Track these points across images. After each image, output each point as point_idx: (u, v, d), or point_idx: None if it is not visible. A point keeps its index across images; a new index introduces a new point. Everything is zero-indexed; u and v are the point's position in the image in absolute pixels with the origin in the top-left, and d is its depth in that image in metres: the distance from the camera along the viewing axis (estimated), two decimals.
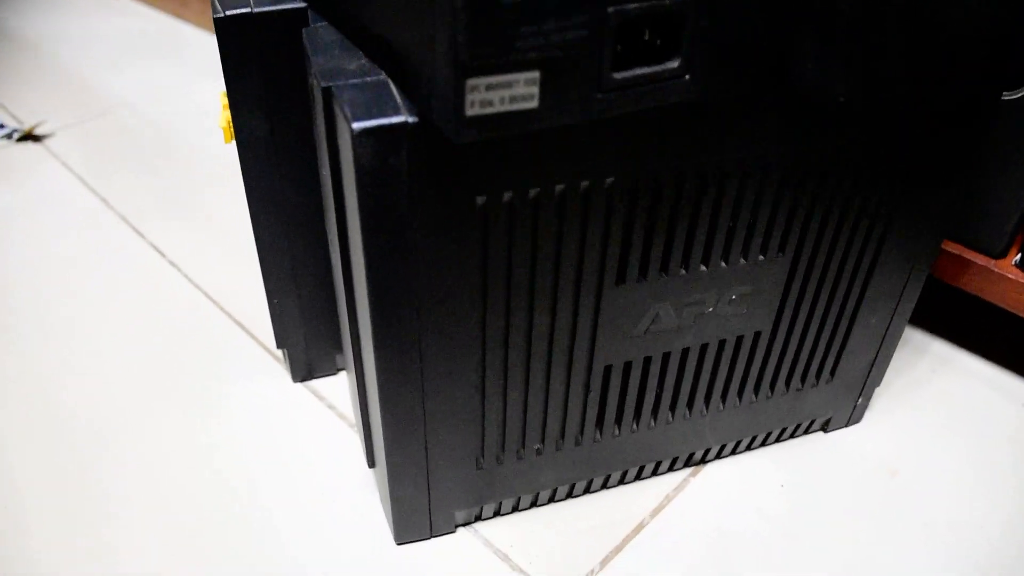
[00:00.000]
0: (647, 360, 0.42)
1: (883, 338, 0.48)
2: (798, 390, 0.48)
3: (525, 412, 0.41)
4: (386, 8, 0.30)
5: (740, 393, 0.47)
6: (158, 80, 0.93)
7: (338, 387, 0.54)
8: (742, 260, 0.40)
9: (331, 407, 0.53)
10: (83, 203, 0.71)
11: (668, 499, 0.48)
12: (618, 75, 0.29)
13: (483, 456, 0.42)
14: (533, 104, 0.28)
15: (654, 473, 0.49)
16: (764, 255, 0.40)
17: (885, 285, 0.45)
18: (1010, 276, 0.52)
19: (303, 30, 0.38)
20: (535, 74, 0.27)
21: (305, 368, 0.54)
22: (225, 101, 0.46)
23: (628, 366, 0.42)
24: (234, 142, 0.46)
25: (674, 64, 0.30)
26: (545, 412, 0.42)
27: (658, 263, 0.38)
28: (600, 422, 0.44)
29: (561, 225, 0.35)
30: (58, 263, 0.64)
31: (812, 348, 0.47)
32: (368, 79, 0.32)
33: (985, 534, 0.47)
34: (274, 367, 0.55)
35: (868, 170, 0.39)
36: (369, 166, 0.30)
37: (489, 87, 0.27)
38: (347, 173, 0.32)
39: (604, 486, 0.48)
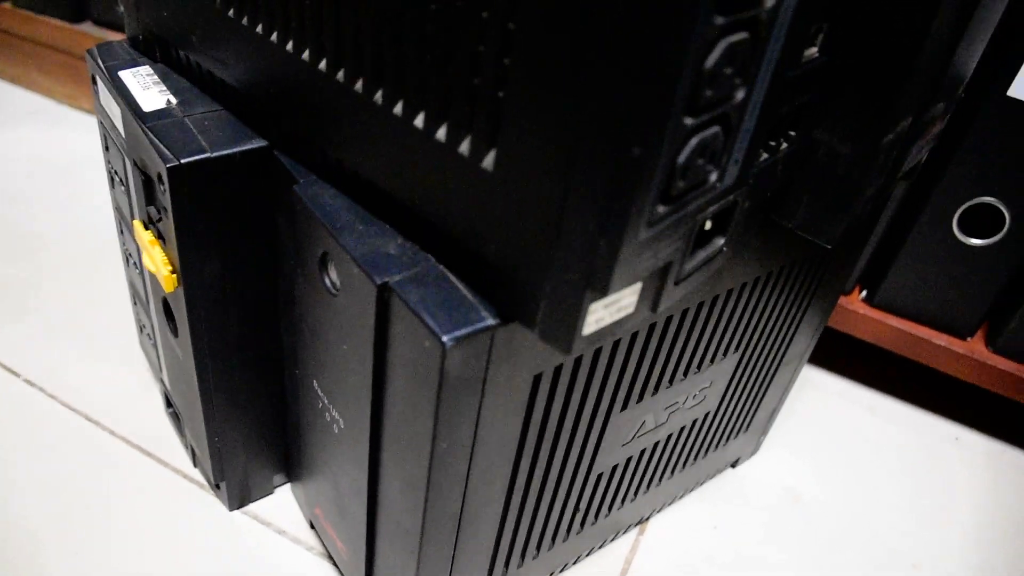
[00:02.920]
0: (628, 460, 0.45)
1: (786, 387, 0.55)
2: (724, 445, 0.54)
3: (531, 528, 0.43)
4: (446, 196, 0.29)
5: (685, 462, 0.52)
6: None
7: (278, 507, 0.51)
8: (710, 363, 0.44)
9: (281, 531, 0.50)
10: None
11: (628, 562, 0.52)
12: (687, 266, 0.31)
13: (492, 571, 0.43)
14: (631, 311, 0.29)
15: (611, 539, 0.53)
16: (725, 355, 0.45)
17: (798, 348, 0.52)
18: (859, 311, 0.62)
19: (295, 188, 0.35)
20: (639, 286, 0.28)
21: (241, 495, 0.50)
22: (148, 237, 0.41)
23: (614, 469, 0.45)
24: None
25: (720, 242, 0.32)
26: (545, 525, 0.44)
27: (654, 386, 0.41)
28: (583, 521, 0.46)
29: (591, 375, 0.36)
30: None
31: (742, 413, 0.52)
32: (422, 269, 0.31)
33: (861, 522, 0.56)
34: (200, 495, 0.51)
35: (809, 268, 0.45)
36: (454, 374, 0.30)
37: (605, 306, 0.28)
38: (408, 372, 0.31)
39: (575, 561, 0.51)
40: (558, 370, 0.34)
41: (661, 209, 0.26)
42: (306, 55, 0.32)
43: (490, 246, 0.28)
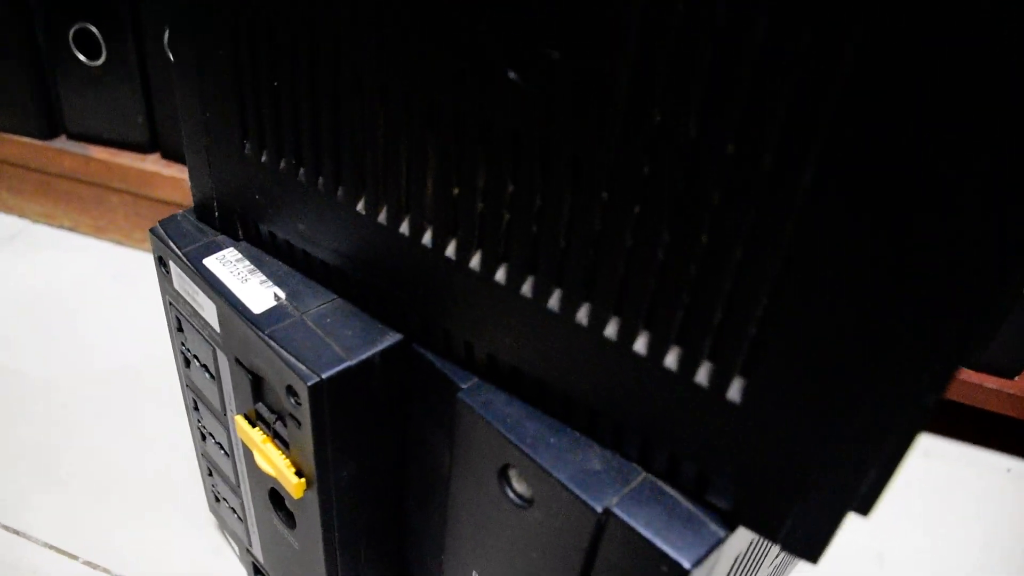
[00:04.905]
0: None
1: None
2: None
3: None
4: (666, 418, 0.28)
5: None
6: None
7: None
8: None
9: None
10: None
11: None
12: None
13: None
14: None
15: None
16: None
17: None
18: None
19: (461, 396, 0.33)
20: None
21: None
22: (260, 437, 0.38)
23: None
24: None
25: None
26: None
27: None
28: None
29: None
30: None
31: None
32: (636, 485, 0.29)
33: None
34: None
35: None
36: None
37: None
38: None
39: None
40: (750, 543, 0.33)
41: None
42: (476, 262, 0.30)
43: (720, 467, 0.27)
